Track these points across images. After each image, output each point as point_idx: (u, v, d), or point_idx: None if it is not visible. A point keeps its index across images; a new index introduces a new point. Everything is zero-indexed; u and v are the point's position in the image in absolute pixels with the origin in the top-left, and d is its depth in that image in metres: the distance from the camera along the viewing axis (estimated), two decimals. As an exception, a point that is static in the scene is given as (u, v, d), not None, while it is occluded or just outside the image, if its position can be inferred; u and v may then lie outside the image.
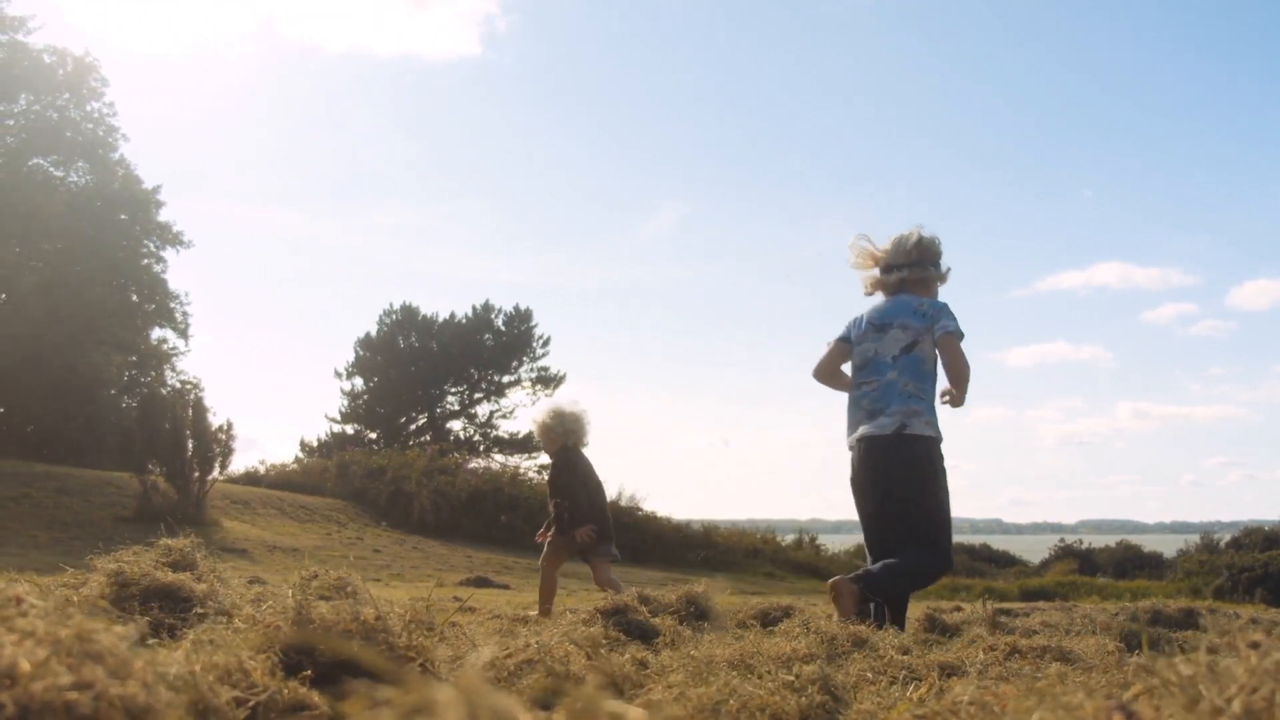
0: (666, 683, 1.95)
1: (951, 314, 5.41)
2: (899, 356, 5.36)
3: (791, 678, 1.89)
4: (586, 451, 7.56)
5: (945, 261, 5.71)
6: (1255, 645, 1.20)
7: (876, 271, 5.68)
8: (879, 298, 5.71)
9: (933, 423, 5.34)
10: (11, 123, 26.37)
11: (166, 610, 3.04)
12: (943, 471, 5.36)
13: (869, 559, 5.49)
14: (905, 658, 2.78)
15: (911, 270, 5.54)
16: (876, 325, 5.51)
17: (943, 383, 5.46)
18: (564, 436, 7.42)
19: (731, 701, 1.71)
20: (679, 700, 1.70)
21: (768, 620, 5.08)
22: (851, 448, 5.50)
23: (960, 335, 5.35)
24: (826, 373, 5.79)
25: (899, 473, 5.28)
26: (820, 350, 5.78)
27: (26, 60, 26.09)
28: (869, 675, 2.49)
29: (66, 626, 0.99)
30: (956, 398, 5.34)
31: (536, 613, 6.81)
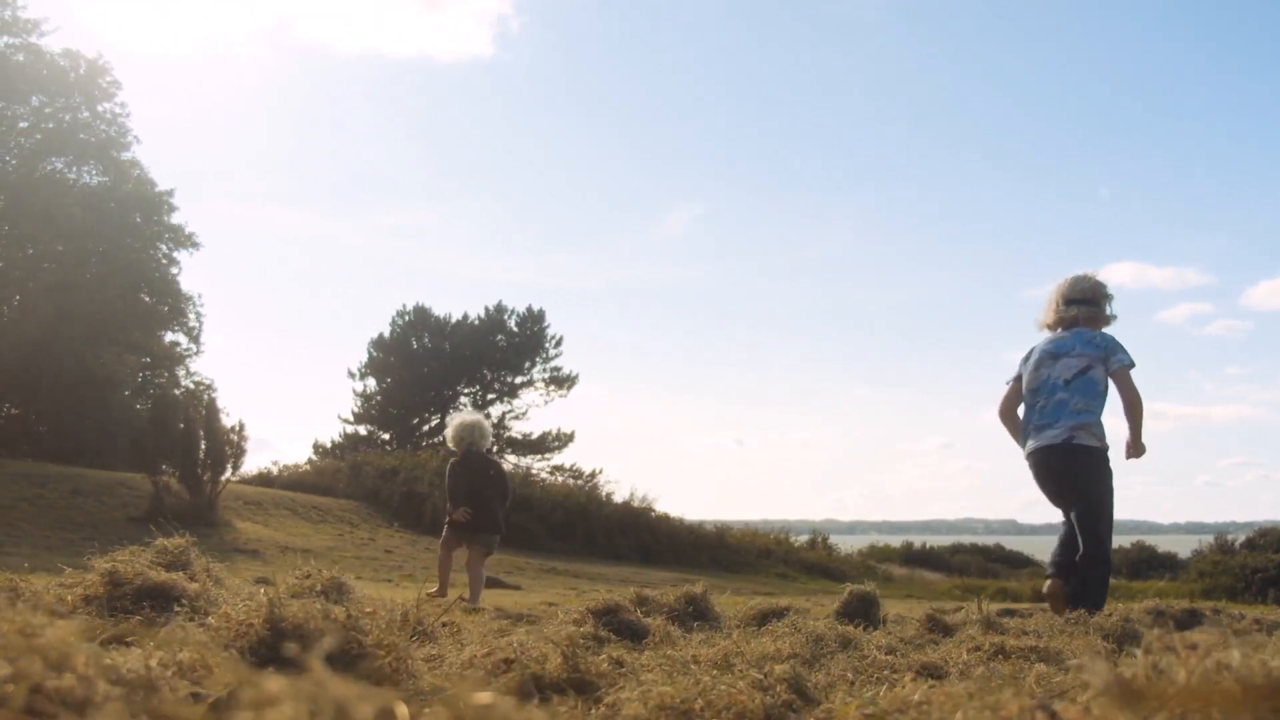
0: (637, 681, 1.96)
1: (1123, 347, 6.16)
2: (1071, 380, 6.09)
3: (760, 676, 1.90)
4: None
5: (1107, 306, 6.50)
6: (1193, 647, 1.20)
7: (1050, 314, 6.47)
8: (1045, 332, 6.49)
9: (1099, 436, 6.07)
10: (25, 125, 26.52)
11: (158, 609, 3.08)
12: (1109, 475, 6.07)
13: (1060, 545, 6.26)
14: (889, 658, 2.79)
15: (1087, 307, 6.31)
16: (1051, 354, 6.25)
17: (1112, 418, 6.21)
18: (457, 443, 8.78)
19: (698, 700, 1.72)
20: (642, 698, 1.71)
21: (766, 620, 5.09)
22: (1028, 458, 6.28)
23: (1133, 366, 6.11)
24: (1006, 414, 6.54)
25: (1069, 477, 6.06)
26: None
27: (40, 63, 26.25)
28: (849, 675, 2.50)
29: (11, 621, 1.02)
30: (1135, 450, 6.10)
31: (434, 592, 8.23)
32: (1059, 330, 6.39)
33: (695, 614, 4.89)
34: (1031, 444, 6.20)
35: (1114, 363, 6.09)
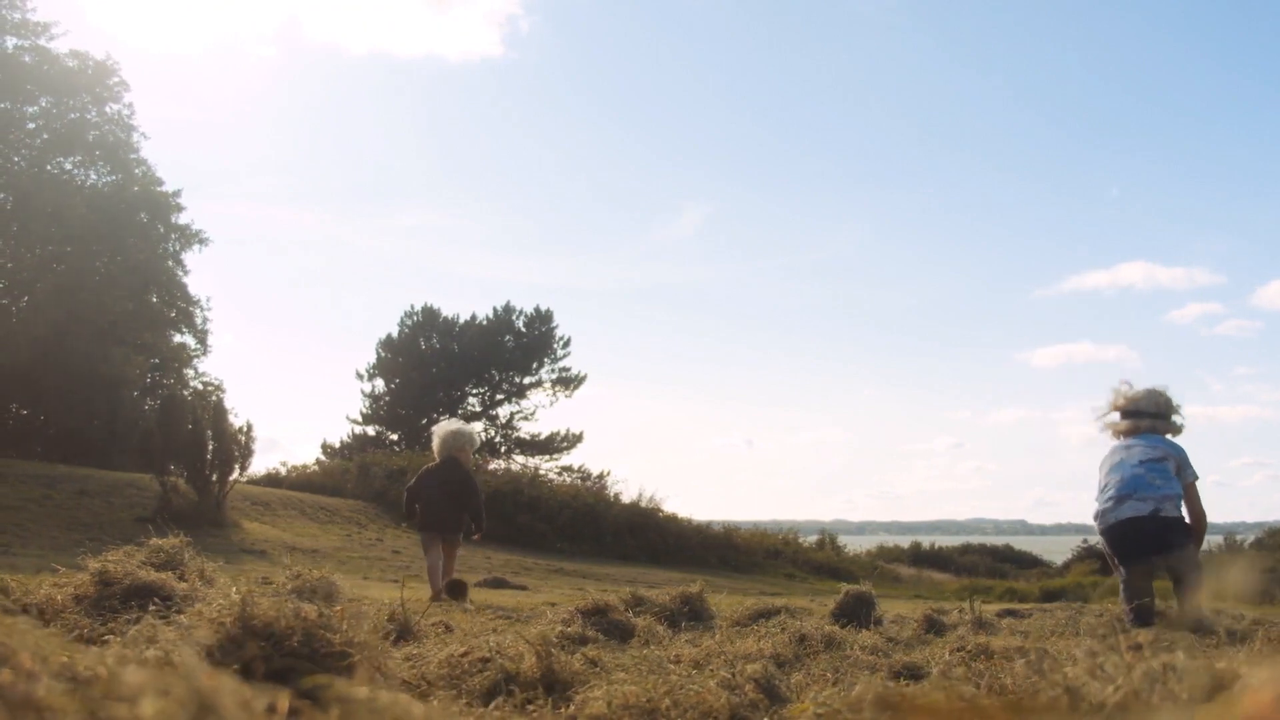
0: (609, 680, 1.97)
1: (1190, 461, 6.61)
2: (1144, 461, 6.49)
3: (729, 675, 1.91)
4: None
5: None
6: (1137, 648, 1.21)
7: (1118, 417, 6.94)
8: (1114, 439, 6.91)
9: (1178, 507, 6.40)
10: (33, 125, 26.63)
11: (146, 608, 3.09)
12: (1194, 545, 6.43)
13: (1126, 590, 6.37)
14: (872, 658, 2.80)
15: (1159, 420, 6.80)
16: (1123, 448, 6.67)
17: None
18: (439, 451, 9.24)
19: (665, 699, 1.73)
20: (606, 697, 1.72)
21: (759, 620, 5.10)
22: (1110, 530, 6.47)
23: (1198, 479, 6.59)
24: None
25: (1156, 545, 6.29)
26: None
27: (49, 65, 26.37)
28: (829, 675, 2.51)
29: (-43, 621, 1.03)
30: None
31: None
32: (1128, 436, 6.82)
33: (690, 614, 4.91)
34: (1112, 516, 6.41)
35: (1187, 474, 6.50)
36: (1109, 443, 6.95)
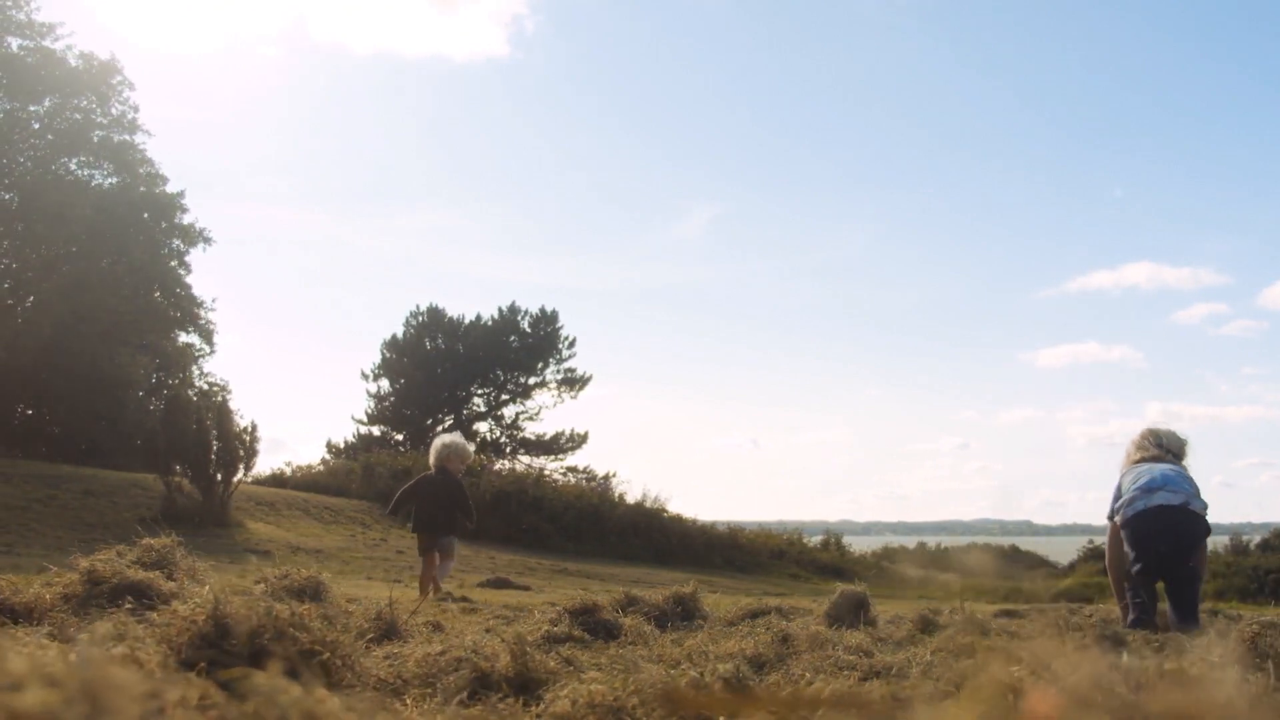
0: (579, 679, 1.98)
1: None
2: (1176, 469, 6.82)
3: (698, 674, 1.92)
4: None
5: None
6: (1083, 649, 1.22)
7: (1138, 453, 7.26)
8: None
9: (1205, 509, 6.66)
10: (38, 126, 26.70)
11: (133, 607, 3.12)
12: (1207, 536, 6.71)
13: (1141, 581, 6.65)
14: (853, 658, 2.80)
15: (1177, 459, 7.07)
16: (1151, 459, 6.99)
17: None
18: (434, 461, 10.05)
19: (633, 699, 1.74)
20: (571, 695, 1.73)
21: (750, 620, 5.11)
22: (1138, 516, 6.66)
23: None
24: (1115, 563, 7.00)
25: (1182, 536, 6.53)
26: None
27: (53, 64, 26.43)
28: (808, 675, 2.51)
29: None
30: None
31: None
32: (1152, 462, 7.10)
33: (683, 614, 4.92)
34: (1142, 504, 6.63)
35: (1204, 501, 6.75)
36: (1123, 467, 7.20)
